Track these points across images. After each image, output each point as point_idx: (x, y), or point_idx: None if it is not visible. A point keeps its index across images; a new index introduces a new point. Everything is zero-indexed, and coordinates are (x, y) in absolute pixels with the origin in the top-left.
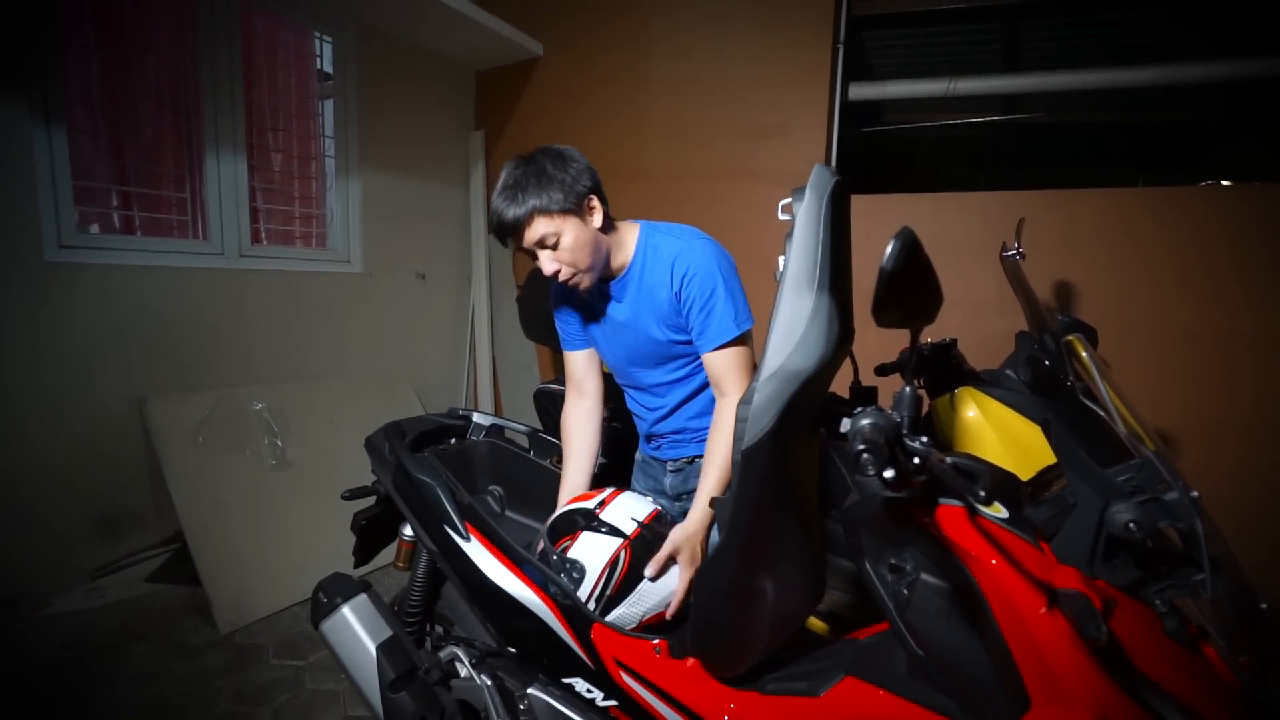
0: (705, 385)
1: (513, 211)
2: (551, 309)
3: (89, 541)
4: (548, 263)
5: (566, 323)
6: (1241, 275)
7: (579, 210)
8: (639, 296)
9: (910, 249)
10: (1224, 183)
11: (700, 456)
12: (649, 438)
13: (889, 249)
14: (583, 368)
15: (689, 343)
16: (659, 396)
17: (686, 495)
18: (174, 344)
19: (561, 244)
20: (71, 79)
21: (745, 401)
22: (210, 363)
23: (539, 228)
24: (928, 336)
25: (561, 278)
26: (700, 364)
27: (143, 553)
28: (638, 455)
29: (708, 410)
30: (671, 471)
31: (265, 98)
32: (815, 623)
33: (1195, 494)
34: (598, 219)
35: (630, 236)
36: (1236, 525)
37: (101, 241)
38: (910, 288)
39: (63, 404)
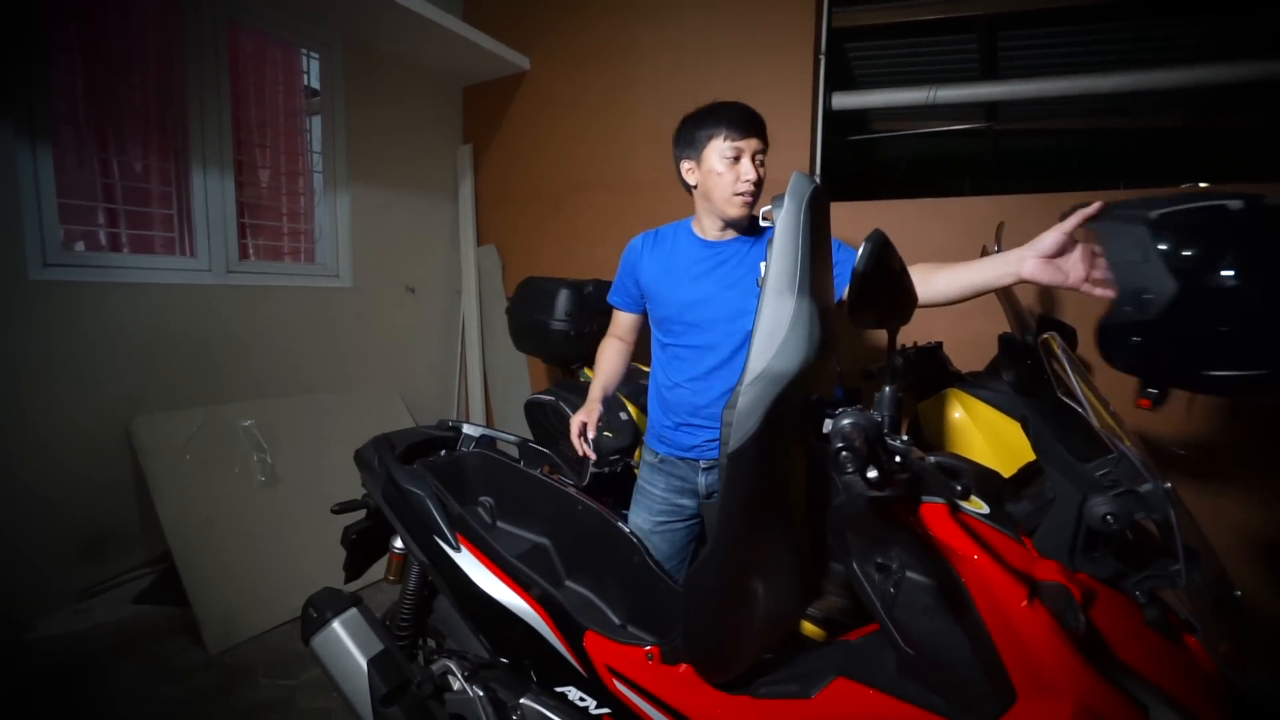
0: None
1: (755, 115)
2: (623, 274)
3: (74, 563)
4: (752, 171)
5: (632, 286)
6: None
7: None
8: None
9: (882, 250)
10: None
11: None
12: (684, 425)
13: (861, 250)
14: (630, 326)
15: None
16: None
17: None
18: (161, 361)
19: (763, 163)
20: (57, 97)
21: (730, 406)
22: (198, 379)
23: (760, 143)
24: (914, 340)
25: (747, 190)
26: None
27: (129, 573)
28: (649, 460)
29: None
30: (705, 469)
31: (252, 114)
32: (811, 629)
33: (1169, 485)
34: None
35: None
36: (1239, 525)
37: (87, 259)
38: (884, 288)
39: (47, 423)
